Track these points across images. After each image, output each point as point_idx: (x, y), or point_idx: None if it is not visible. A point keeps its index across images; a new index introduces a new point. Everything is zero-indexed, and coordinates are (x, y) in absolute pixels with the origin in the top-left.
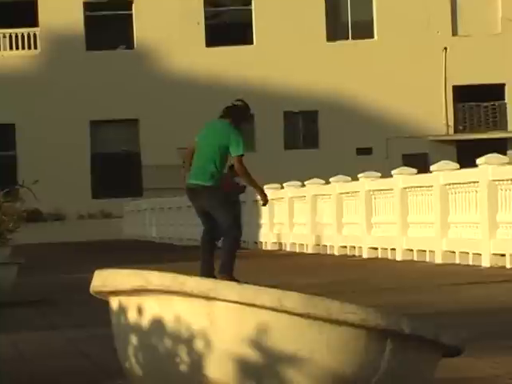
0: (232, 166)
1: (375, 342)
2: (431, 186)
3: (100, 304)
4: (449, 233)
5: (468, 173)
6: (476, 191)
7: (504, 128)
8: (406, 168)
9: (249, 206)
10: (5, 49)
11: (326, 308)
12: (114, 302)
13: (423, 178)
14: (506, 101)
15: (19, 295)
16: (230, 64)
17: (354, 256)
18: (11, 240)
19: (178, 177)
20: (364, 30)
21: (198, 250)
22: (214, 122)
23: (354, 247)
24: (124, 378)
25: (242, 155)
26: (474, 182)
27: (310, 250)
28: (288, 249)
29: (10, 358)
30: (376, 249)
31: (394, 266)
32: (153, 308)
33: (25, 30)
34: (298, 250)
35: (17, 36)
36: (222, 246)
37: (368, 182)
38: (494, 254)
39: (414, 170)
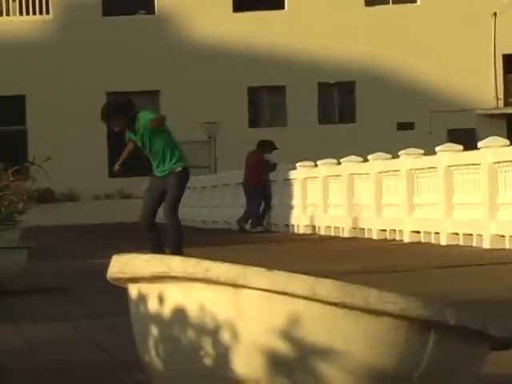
0: (261, 142)
1: (417, 333)
2: (479, 164)
3: (118, 292)
4: (498, 215)
5: None
6: None
7: None
8: (451, 144)
9: (279, 185)
10: (14, 14)
11: (363, 297)
12: (133, 290)
13: (470, 155)
14: None
15: (29, 282)
16: (258, 31)
17: (394, 240)
18: (21, 222)
19: (203, 153)
20: None
21: (225, 234)
22: None
23: (395, 231)
24: (143, 372)
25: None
26: None
27: (346, 234)
28: (322, 232)
29: (19, 350)
30: (418, 232)
31: (438, 251)
32: (175, 296)
33: None
34: (333, 234)
35: (27, 0)
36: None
37: (410, 159)
38: None
39: (460, 147)
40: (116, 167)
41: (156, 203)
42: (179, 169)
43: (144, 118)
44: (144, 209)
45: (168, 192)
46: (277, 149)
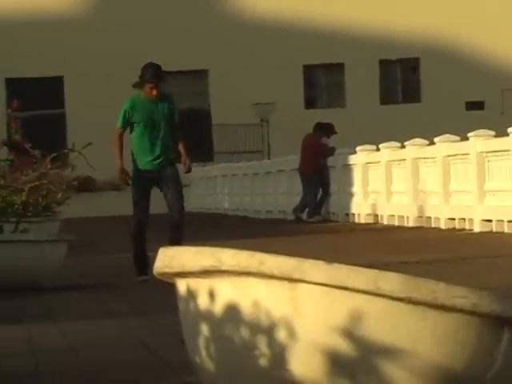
0: (318, 125)
1: (489, 330)
2: None
3: (164, 288)
4: None
5: None
6: None
7: None
8: None
9: (338, 171)
10: None
11: (430, 291)
12: (182, 285)
13: None
14: None
15: (69, 278)
16: (315, 3)
17: (463, 229)
18: (60, 213)
19: (255, 137)
20: None
21: (280, 224)
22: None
23: (464, 219)
24: (193, 373)
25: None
26: None
27: (411, 223)
28: (385, 222)
29: (58, 350)
30: (490, 221)
31: None
32: (226, 292)
33: None
34: (396, 223)
35: None
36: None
37: (480, 141)
38: None
39: None
40: (122, 177)
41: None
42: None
43: (175, 104)
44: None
45: (173, 184)
46: (336, 133)
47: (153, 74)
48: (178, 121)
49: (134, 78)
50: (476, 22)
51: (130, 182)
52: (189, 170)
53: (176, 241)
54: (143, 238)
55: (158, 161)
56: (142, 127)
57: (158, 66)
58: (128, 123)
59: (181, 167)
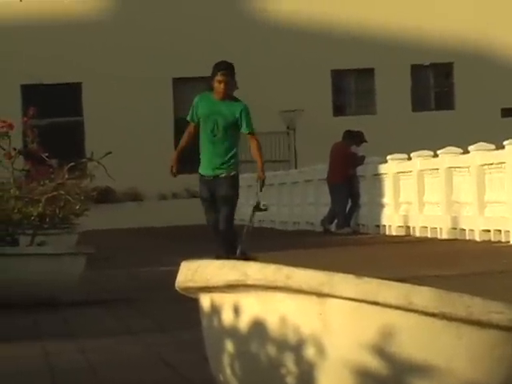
0: (348, 132)
1: None
2: None
3: (187, 303)
4: None
5: None
6: None
7: None
8: None
9: (368, 181)
10: None
11: (465, 306)
12: (205, 300)
13: None
14: None
15: (88, 292)
16: (344, 5)
17: (499, 242)
18: (78, 225)
19: (281, 146)
20: None
21: (307, 236)
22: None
23: (500, 231)
24: None
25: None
26: None
27: (444, 235)
28: (417, 234)
29: (77, 368)
30: None
31: None
32: (252, 307)
33: None
34: (429, 235)
35: None
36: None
37: None
38: None
39: None
40: (174, 170)
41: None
42: (233, 173)
43: (246, 110)
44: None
45: (223, 200)
46: (366, 141)
47: (220, 69)
48: (250, 129)
49: (155, 87)
50: (510, 26)
51: (176, 176)
52: (262, 185)
53: (224, 253)
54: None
55: (215, 167)
56: (203, 125)
57: (228, 64)
58: (195, 118)
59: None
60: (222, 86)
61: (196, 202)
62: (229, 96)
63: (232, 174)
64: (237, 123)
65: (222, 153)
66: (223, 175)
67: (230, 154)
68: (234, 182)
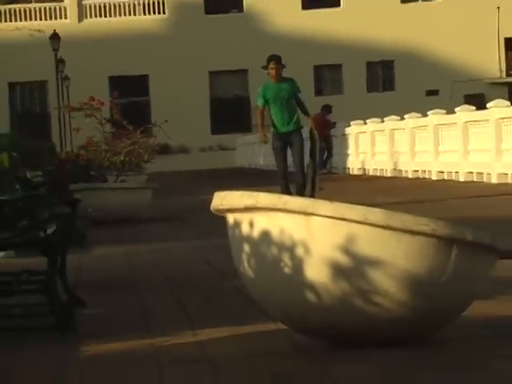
0: (324, 106)
1: (443, 248)
2: (487, 120)
3: (219, 220)
4: (503, 158)
5: None
6: None
7: None
8: (466, 106)
9: (339, 139)
10: (139, 14)
11: (402, 221)
12: (230, 218)
13: (481, 113)
14: None
15: (154, 213)
16: (321, 20)
17: (424, 178)
18: (146, 169)
19: None
20: None
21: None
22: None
23: (425, 171)
24: (238, 279)
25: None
26: None
27: (388, 174)
28: (370, 173)
29: (147, 264)
30: (442, 172)
31: (458, 185)
32: (261, 222)
33: None
34: (378, 174)
35: (148, 3)
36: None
37: (435, 117)
38: None
39: (473, 108)
40: (263, 138)
41: (286, 161)
42: (299, 126)
43: (296, 84)
44: (281, 160)
45: (297, 147)
46: (331, 112)
47: (271, 60)
48: (300, 97)
49: (196, 77)
50: (433, 34)
51: (268, 142)
52: (313, 133)
53: (299, 190)
54: (286, 181)
55: (288, 126)
56: (272, 102)
57: (276, 56)
58: (264, 101)
59: (303, 131)
60: (273, 71)
61: (224, 153)
62: (281, 76)
63: (299, 127)
64: (293, 93)
65: (289, 116)
66: (294, 130)
67: (295, 116)
68: (301, 133)
